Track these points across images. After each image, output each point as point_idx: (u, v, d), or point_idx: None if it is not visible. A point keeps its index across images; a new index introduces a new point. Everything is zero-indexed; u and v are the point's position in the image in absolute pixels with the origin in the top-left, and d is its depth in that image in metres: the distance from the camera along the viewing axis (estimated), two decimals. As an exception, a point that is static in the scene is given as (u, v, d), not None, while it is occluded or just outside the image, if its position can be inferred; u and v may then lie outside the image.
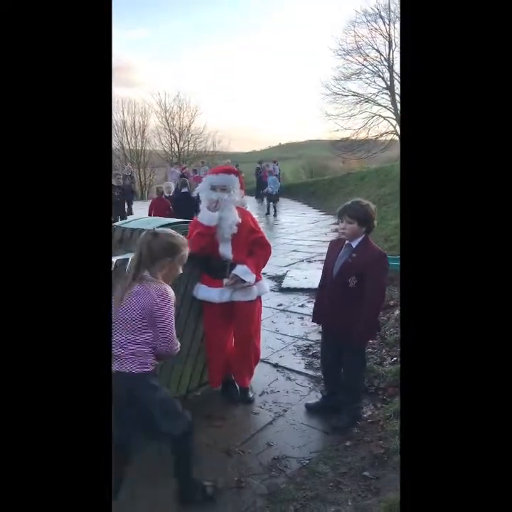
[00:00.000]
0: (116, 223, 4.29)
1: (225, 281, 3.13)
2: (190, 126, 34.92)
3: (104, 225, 1.26)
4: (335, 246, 3.02)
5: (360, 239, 2.84)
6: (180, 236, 2.25)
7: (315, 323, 4.77)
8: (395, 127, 26.73)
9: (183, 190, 9.27)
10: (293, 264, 7.71)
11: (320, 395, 3.34)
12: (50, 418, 1.10)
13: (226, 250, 3.16)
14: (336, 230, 3.63)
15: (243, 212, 3.22)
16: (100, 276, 1.22)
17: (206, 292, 3.21)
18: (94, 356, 1.17)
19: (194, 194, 3.50)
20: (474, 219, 1.14)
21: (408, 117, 1.22)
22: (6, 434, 1.05)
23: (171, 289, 2.14)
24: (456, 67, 1.17)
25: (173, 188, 10.16)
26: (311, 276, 6.52)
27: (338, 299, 2.85)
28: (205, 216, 3.10)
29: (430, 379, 1.13)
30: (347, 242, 2.90)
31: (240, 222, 3.12)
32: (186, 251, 2.25)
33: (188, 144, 35.13)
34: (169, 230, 2.25)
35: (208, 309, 3.24)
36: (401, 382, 1.15)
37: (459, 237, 1.15)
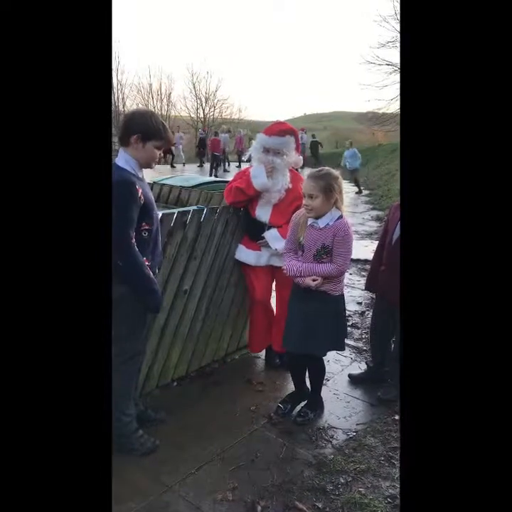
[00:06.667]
0: (155, 179, 4.17)
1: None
2: (216, 91, 34.30)
3: (104, 219, 1.11)
4: (397, 209, 2.79)
5: None
6: None
7: (352, 293, 4.63)
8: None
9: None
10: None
11: (364, 366, 3.21)
12: (50, 415, 1.01)
13: (263, 214, 2.96)
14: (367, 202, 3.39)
15: (295, 177, 2.95)
16: (100, 262, 1.09)
17: (243, 253, 3.07)
18: (94, 350, 1.06)
19: (246, 155, 3.26)
20: (474, 214, 1.04)
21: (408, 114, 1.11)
22: (5, 432, 0.97)
23: None
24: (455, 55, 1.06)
25: None
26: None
27: (396, 265, 2.66)
28: (260, 179, 2.84)
29: (430, 378, 1.05)
30: None
31: (290, 187, 2.89)
32: None
33: (214, 110, 34.58)
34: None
35: (249, 271, 3.11)
36: (401, 382, 1.09)
37: (461, 230, 1.06)
